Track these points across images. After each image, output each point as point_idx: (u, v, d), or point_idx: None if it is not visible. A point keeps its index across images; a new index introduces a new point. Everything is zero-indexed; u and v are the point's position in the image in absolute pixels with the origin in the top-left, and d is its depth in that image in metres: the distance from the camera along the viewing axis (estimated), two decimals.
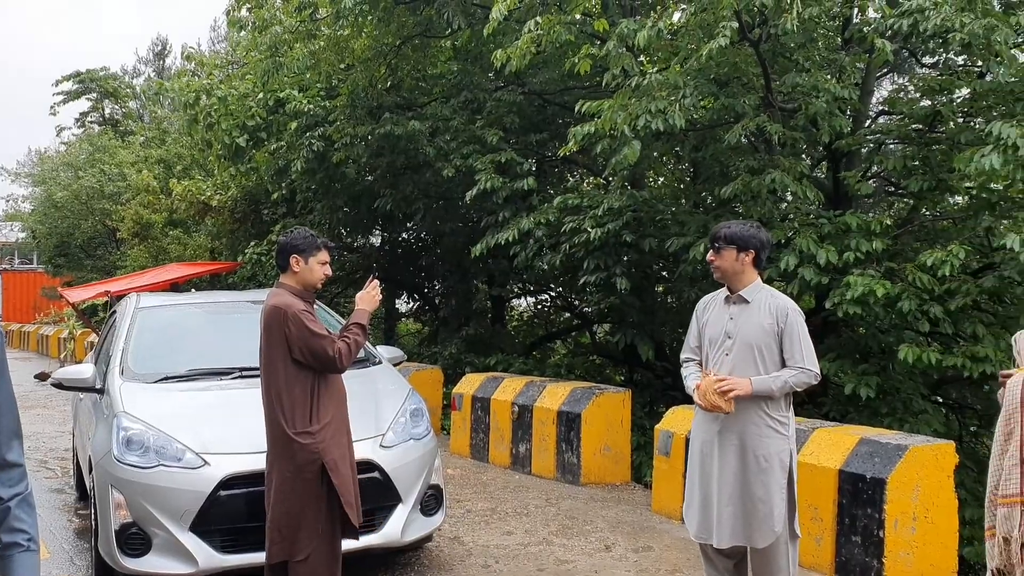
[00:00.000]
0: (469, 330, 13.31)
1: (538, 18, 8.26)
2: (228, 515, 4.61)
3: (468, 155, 10.76)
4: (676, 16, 8.06)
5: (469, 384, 9.04)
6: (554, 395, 7.96)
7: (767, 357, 4.00)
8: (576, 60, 8.16)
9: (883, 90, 10.84)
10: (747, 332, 4.04)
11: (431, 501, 5.23)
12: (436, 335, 14.93)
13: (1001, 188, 7.59)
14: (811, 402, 8.35)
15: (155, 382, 5.34)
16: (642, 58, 9.90)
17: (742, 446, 3.99)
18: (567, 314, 15.42)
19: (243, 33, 13.79)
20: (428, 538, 5.32)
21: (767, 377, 3.96)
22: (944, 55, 9.11)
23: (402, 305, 17.56)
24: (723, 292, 4.20)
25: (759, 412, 3.98)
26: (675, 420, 6.58)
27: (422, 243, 15.46)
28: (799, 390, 4.04)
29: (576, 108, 8.21)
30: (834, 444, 5.42)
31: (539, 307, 16.52)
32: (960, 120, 8.31)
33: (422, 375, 10.20)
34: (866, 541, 5.03)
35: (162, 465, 4.64)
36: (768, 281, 7.40)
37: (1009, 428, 3.37)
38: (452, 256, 13.81)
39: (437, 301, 16.07)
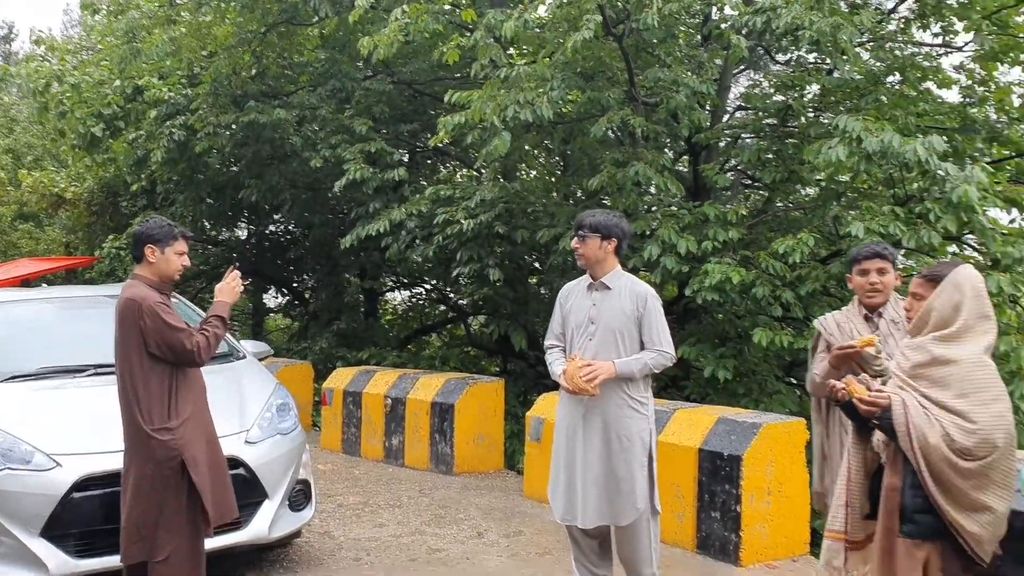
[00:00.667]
0: (341, 324, 13.13)
1: (405, 6, 8.22)
2: (83, 518, 4.40)
3: (336, 145, 10.61)
4: (541, 9, 8.17)
5: (340, 378, 8.93)
6: (427, 387, 7.95)
7: (628, 341, 4.12)
8: (444, 50, 8.17)
9: (740, 86, 11.31)
10: (609, 317, 4.15)
11: (299, 496, 5.15)
12: (306, 330, 14.67)
13: (848, 179, 8.04)
14: (674, 386, 8.66)
15: (2, 381, 5.05)
16: (512, 50, 10.01)
17: (605, 427, 4.10)
18: (442, 307, 15.43)
19: (98, 17, 13.18)
20: (297, 534, 5.24)
21: (629, 360, 4.09)
22: (796, 52, 9.58)
23: (270, 300, 17.15)
24: (586, 279, 4.30)
25: (621, 394, 4.11)
26: (546, 406, 6.68)
27: (290, 235, 15.15)
28: (657, 371, 4.19)
29: (446, 98, 8.23)
30: (694, 424, 5.63)
31: (413, 300, 16.46)
32: (811, 115, 8.76)
33: (291, 370, 10.00)
34: (725, 516, 5.25)
35: (8, 468, 4.39)
36: (633, 270, 7.64)
37: (843, 468, 3.55)
38: (322, 249, 13.59)
39: (307, 295, 15.79)
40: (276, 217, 14.61)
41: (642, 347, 4.15)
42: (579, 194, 10.43)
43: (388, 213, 9.69)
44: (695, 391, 8.46)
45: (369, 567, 5.13)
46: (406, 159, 12.49)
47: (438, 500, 6.67)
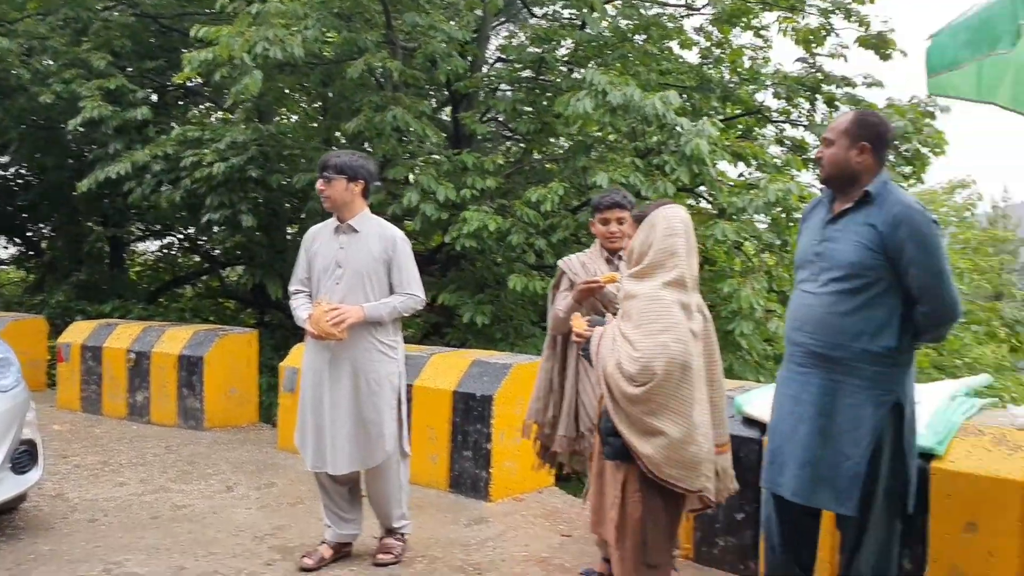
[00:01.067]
0: (81, 276, 12.12)
1: None
2: None
3: (71, 80, 9.68)
4: None
5: (78, 332, 8.27)
6: (174, 339, 7.55)
7: (376, 284, 4.10)
8: None
9: (500, 38, 11.45)
10: (357, 261, 4.10)
11: (24, 458, 4.72)
12: (42, 283, 13.44)
13: (597, 132, 8.40)
14: (436, 332, 8.78)
15: None
16: None
17: (354, 372, 4.07)
18: (196, 257, 14.64)
19: None
20: (23, 498, 4.82)
21: (377, 304, 4.07)
22: (551, 7, 9.82)
23: (0, 251, 15.54)
24: (333, 222, 4.22)
25: (369, 338, 4.08)
26: (299, 356, 6.50)
27: (21, 179, 13.72)
28: (407, 315, 4.20)
29: (191, 33, 7.74)
30: (450, 367, 5.73)
31: (165, 251, 15.49)
32: (563, 69, 9.04)
33: (21, 325, 9.14)
34: (476, 455, 5.41)
35: None
36: (393, 217, 7.61)
37: None
38: (59, 193, 12.41)
39: (43, 245, 14.45)
40: (2, 159, 13.18)
41: (392, 291, 4.14)
42: (342, 140, 10.20)
43: (130, 155, 9.03)
44: (456, 337, 8.62)
45: (106, 527, 4.83)
46: (154, 98, 11.63)
47: (186, 456, 6.39)
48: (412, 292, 4.15)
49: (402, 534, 4.38)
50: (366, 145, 9.06)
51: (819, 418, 3.08)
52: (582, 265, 4.04)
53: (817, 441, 3.08)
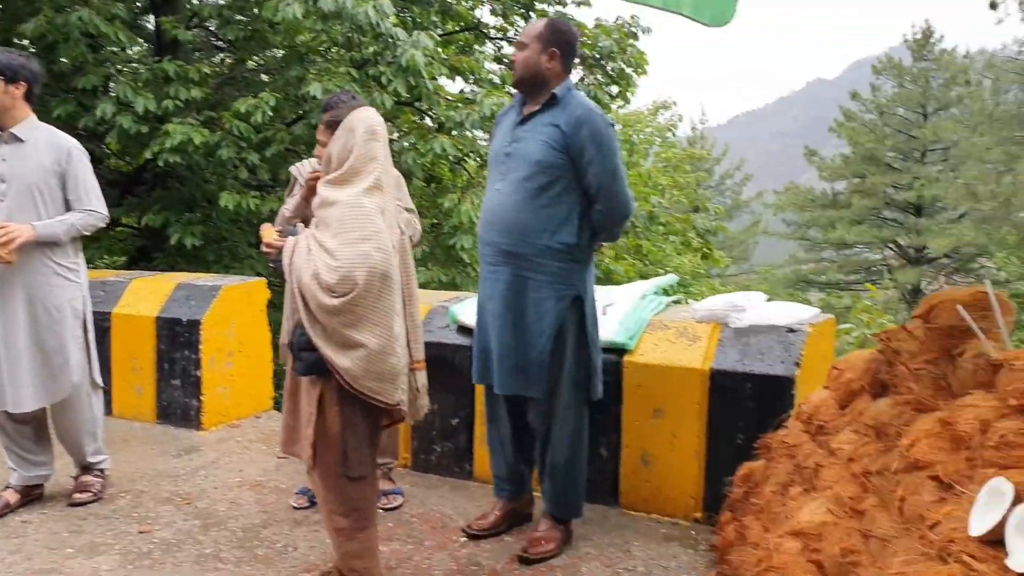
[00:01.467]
0: None
1: None
2: None
3: None
4: None
5: None
6: None
7: (48, 200, 3.68)
8: None
9: None
10: (24, 174, 3.65)
11: None
12: None
13: (309, 40, 8.02)
14: (144, 258, 8.17)
15: None
16: None
17: (29, 299, 3.67)
18: None
19: None
20: None
21: (51, 222, 3.66)
22: None
23: None
24: None
25: (45, 260, 3.68)
26: None
27: None
28: (87, 233, 3.82)
29: None
30: (152, 292, 5.35)
31: None
32: None
33: None
34: (185, 382, 5.12)
35: None
36: (87, 131, 6.91)
37: None
38: None
39: None
40: None
41: (68, 207, 3.74)
42: (32, 49, 9.02)
43: None
44: (164, 262, 8.05)
45: None
46: None
47: None
48: (92, 208, 3.77)
49: (100, 470, 4.08)
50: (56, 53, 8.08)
51: (509, 312, 3.22)
52: (313, 169, 3.86)
53: (510, 334, 3.23)
